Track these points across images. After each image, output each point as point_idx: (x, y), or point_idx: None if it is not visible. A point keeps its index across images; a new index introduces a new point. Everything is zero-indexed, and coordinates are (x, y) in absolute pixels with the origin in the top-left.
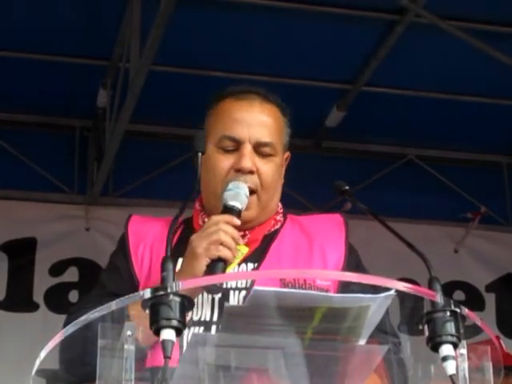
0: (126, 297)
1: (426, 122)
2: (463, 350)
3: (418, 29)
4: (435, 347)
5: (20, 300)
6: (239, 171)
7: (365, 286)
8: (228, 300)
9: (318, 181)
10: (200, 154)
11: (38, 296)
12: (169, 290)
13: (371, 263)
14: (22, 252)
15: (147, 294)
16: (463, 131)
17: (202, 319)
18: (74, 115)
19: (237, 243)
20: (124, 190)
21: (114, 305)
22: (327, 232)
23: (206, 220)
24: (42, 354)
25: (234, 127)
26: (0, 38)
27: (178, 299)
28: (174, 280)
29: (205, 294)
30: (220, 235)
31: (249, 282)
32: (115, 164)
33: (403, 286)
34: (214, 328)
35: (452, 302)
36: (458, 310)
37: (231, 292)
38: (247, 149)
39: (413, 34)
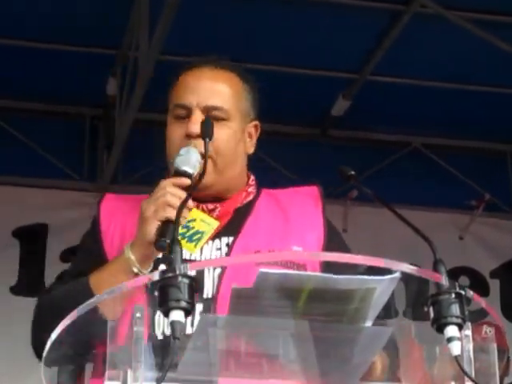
0: (135, 279)
1: (431, 111)
2: (468, 332)
3: (423, 19)
4: (440, 328)
5: (31, 285)
6: (188, 136)
7: (347, 267)
8: (203, 275)
9: (323, 169)
10: (208, 140)
11: (50, 281)
12: (177, 272)
13: (378, 250)
14: (33, 238)
15: (156, 276)
16: (468, 120)
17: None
18: (84, 104)
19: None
20: (133, 178)
21: (124, 287)
22: (303, 206)
23: None
24: (53, 336)
25: (184, 95)
26: (10, 27)
27: (186, 281)
28: (181, 262)
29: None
30: (166, 197)
31: (224, 255)
32: (125, 152)
33: (408, 268)
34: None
35: (457, 284)
36: (463, 292)
37: (205, 269)
38: (196, 114)
39: (418, 24)
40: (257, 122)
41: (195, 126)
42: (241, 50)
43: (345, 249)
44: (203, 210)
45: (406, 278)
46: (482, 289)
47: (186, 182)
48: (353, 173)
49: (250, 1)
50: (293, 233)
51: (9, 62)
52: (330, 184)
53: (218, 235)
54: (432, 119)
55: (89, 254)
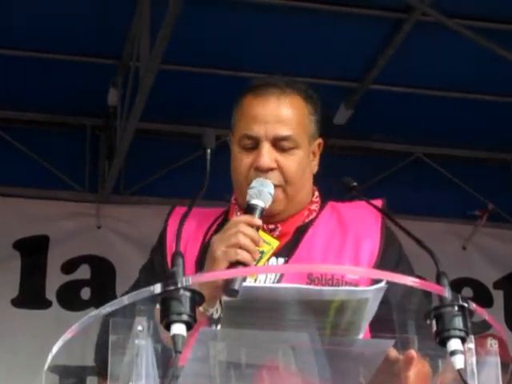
0: (137, 292)
1: (434, 120)
2: (471, 345)
3: (424, 27)
4: (443, 342)
5: (33, 297)
6: (258, 170)
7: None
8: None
9: (325, 179)
10: (209, 151)
11: (51, 293)
12: (179, 285)
13: None
14: (34, 250)
15: (157, 289)
16: (470, 129)
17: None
18: (84, 114)
19: (257, 245)
20: (135, 188)
21: (125, 300)
22: (363, 221)
23: (238, 214)
24: (55, 349)
25: (251, 125)
26: (10, 37)
27: (188, 294)
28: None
29: None
30: (239, 238)
31: (277, 278)
32: (126, 162)
33: (411, 281)
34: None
35: (460, 296)
36: (466, 305)
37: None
38: (264, 147)
39: (419, 33)
40: (320, 140)
41: (264, 160)
42: (242, 60)
43: (400, 265)
44: (263, 230)
45: (408, 290)
46: (486, 300)
47: (258, 222)
48: (355, 184)
49: (251, 10)
50: (347, 250)
51: (9, 73)
52: (332, 194)
53: (275, 255)
54: (434, 128)
55: (152, 270)
